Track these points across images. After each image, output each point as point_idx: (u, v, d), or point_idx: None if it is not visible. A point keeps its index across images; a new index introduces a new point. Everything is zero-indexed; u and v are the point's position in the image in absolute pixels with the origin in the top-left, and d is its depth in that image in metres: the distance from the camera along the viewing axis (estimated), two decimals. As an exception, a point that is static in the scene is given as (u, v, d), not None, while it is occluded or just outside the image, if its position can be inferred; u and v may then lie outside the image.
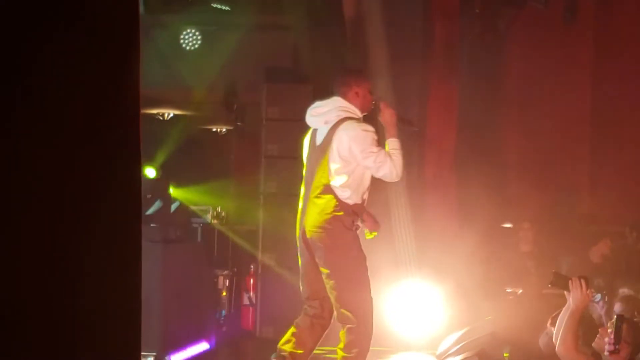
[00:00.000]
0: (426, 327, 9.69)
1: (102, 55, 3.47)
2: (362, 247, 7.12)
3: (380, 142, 7.14)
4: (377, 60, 9.88)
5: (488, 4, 10.69)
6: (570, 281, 6.14)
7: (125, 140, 3.61)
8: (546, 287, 9.88)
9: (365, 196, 7.11)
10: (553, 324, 7.42)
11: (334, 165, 7.00)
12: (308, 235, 7.03)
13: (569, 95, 11.69)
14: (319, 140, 7.12)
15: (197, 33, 10.84)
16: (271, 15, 10.94)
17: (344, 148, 6.96)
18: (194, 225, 11.29)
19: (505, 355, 7.57)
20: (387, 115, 7.20)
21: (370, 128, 7.03)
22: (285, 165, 10.37)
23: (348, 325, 7.00)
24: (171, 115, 12.41)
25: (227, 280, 10.44)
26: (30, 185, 3.32)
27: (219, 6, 9.85)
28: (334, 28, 10.06)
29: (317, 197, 7.04)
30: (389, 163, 6.97)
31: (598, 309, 7.50)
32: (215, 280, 10.32)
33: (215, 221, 11.31)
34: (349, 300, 6.99)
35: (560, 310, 7.34)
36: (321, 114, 7.16)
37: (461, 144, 10.44)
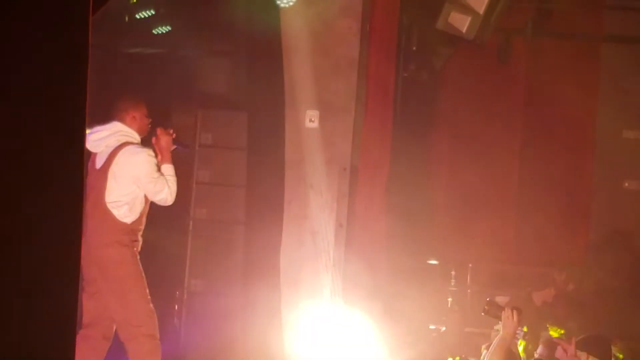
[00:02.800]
0: (349, 360, 9.70)
1: (49, 61, 3.44)
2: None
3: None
4: (311, 94, 9.93)
5: (425, 41, 10.80)
6: (502, 310, 6.44)
7: (71, 144, 3.59)
8: (467, 325, 10.03)
9: (143, 216, 7.46)
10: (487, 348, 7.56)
11: (112, 186, 7.30)
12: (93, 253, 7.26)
13: (499, 134, 11.84)
14: (98, 163, 7.38)
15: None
16: (209, 41, 10.93)
17: (126, 171, 7.32)
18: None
19: None
20: (163, 142, 7.57)
21: (153, 153, 7.47)
22: (217, 192, 10.37)
23: (143, 334, 7.39)
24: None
25: (151, 305, 10.33)
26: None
27: (159, 30, 9.84)
28: (271, 59, 10.07)
29: (96, 216, 7.27)
30: (166, 189, 7.39)
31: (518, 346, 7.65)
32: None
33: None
34: (130, 313, 7.39)
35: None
36: (102, 139, 7.42)
37: (393, 179, 10.50)
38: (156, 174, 7.35)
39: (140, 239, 7.50)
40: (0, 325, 3.41)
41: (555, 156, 11.94)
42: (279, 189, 9.99)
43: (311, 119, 9.97)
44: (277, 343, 9.79)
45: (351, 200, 10.04)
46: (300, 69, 9.89)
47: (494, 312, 6.60)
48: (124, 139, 7.38)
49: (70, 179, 3.61)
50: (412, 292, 10.18)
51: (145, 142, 7.59)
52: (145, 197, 7.44)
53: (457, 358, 7.58)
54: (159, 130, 7.54)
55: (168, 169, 7.47)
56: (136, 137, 7.46)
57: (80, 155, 3.71)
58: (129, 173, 7.31)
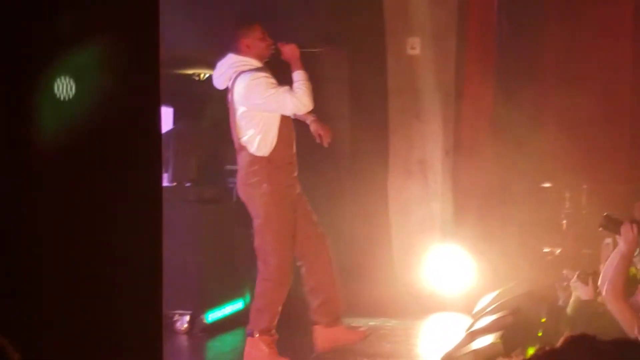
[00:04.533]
0: (463, 288, 9.65)
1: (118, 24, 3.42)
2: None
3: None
4: (411, 21, 9.80)
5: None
6: (621, 225, 6.18)
7: (146, 98, 3.59)
8: (584, 247, 9.85)
9: (283, 143, 7.14)
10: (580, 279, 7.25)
11: (240, 122, 7.10)
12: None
13: (609, 53, 11.50)
14: (228, 99, 7.20)
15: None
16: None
17: (243, 102, 7.04)
18: (230, 185, 11.24)
19: (542, 320, 7.41)
20: (288, 51, 7.18)
21: (260, 74, 7.04)
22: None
23: (260, 277, 7.24)
24: (207, 75, 12.31)
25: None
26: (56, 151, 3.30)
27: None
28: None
29: (238, 155, 7.21)
30: (289, 98, 6.99)
31: (636, 263, 7.44)
32: (251, 239, 10.28)
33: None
34: (261, 251, 7.28)
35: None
36: (221, 75, 7.22)
37: (498, 103, 10.31)
38: (271, 90, 6.96)
39: (284, 170, 7.19)
40: (81, 327, 3.40)
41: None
42: (383, 118, 9.92)
43: (412, 47, 9.84)
44: (387, 273, 9.78)
45: (457, 127, 9.92)
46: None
47: (612, 226, 6.33)
48: (239, 69, 7.10)
49: (148, 174, 3.57)
50: (525, 216, 10.03)
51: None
52: (281, 120, 7.10)
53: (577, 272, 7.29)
54: (280, 44, 7.16)
55: (296, 75, 7.09)
56: (253, 63, 7.09)
57: (157, 140, 3.66)
58: (246, 102, 7.06)
